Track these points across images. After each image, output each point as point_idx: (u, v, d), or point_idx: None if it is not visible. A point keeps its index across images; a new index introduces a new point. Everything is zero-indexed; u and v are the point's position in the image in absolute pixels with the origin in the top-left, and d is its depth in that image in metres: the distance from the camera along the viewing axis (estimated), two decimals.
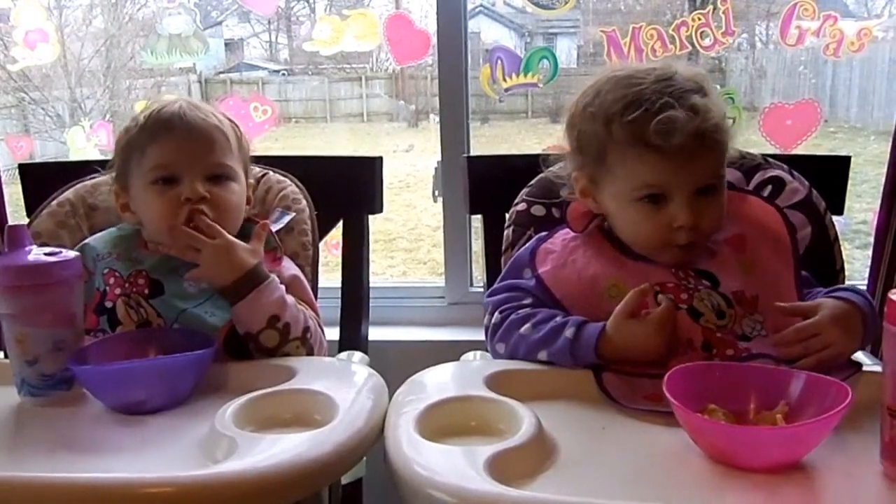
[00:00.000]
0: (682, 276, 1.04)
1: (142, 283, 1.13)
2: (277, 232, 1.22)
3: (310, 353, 1.11)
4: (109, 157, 1.21)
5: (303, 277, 1.21)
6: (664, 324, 0.98)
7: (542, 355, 1.01)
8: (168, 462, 0.83)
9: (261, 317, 1.07)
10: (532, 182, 1.26)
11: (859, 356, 1.01)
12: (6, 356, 1.00)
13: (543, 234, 1.15)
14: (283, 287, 1.11)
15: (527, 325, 1.04)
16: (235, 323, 1.09)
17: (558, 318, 1.02)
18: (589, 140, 1.06)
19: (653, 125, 0.98)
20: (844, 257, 1.22)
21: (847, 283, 1.21)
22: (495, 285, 1.13)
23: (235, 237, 1.13)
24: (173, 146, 1.12)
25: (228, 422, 0.85)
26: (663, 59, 1.68)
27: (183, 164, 1.12)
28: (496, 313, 1.08)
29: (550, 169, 1.21)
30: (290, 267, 1.20)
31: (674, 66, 1.05)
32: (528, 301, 1.07)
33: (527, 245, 1.14)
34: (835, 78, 2.55)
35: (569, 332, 0.99)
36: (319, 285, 1.29)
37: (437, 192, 1.78)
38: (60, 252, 1.00)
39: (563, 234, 1.12)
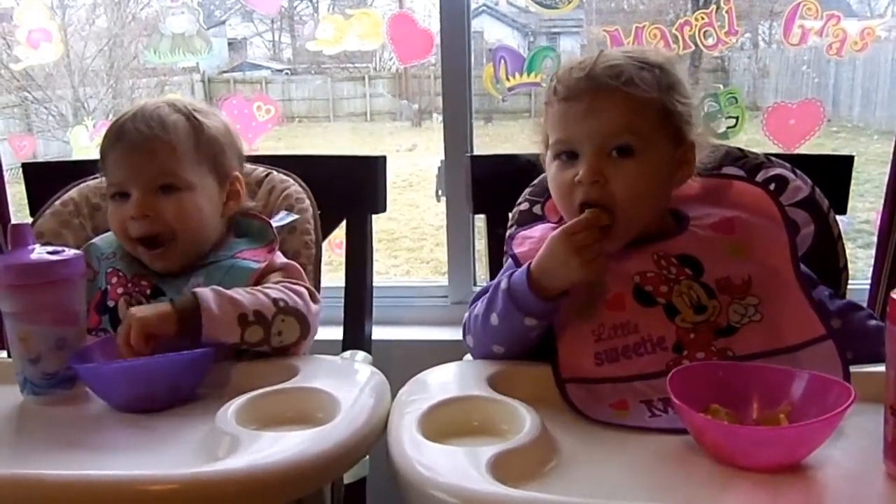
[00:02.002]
0: (664, 264, 1.01)
1: (144, 284, 1.14)
2: (280, 231, 1.22)
3: (300, 318, 1.06)
4: None
5: (296, 264, 1.19)
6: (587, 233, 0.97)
7: (493, 319, 1.01)
8: (170, 460, 0.83)
9: (229, 324, 1.02)
10: (535, 181, 1.25)
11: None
12: (9, 355, 1.00)
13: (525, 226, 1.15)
14: (212, 290, 1.03)
15: (478, 305, 1.05)
16: (223, 347, 1.03)
17: (496, 280, 1.04)
18: None
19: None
20: (847, 256, 1.21)
21: (850, 282, 1.21)
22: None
23: (226, 235, 1.18)
24: (118, 162, 1.14)
25: (230, 420, 0.85)
26: None
27: (128, 180, 1.13)
28: (467, 312, 1.09)
29: None
30: (280, 256, 1.19)
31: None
32: None
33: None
34: (838, 77, 2.56)
35: (503, 284, 1.01)
36: (322, 285, 1.29)
37: (440, 192, 1.78)
38: (63, 251, 1.00)
39: (543, 227, 1.12)
